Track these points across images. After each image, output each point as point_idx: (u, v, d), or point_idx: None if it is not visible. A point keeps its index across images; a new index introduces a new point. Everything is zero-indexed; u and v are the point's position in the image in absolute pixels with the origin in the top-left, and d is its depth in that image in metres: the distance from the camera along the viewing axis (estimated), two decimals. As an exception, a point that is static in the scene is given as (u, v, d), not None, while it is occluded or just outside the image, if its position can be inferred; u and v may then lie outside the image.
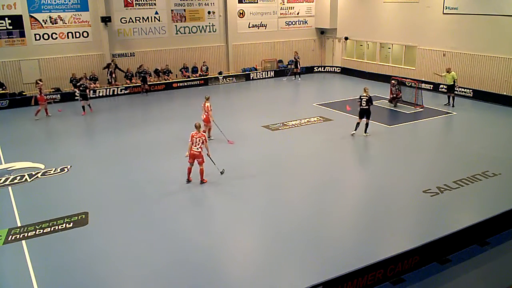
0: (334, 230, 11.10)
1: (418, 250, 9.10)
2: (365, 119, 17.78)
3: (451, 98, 22.67)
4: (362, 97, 17.55)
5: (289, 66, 31.57)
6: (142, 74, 27.14)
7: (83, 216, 11.74)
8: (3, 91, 24.55)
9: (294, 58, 30.96)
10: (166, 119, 21.61)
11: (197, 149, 13.24)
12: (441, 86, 25.54)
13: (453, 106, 22.40)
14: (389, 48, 30.14)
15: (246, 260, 9.96)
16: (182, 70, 29.21)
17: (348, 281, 8.21)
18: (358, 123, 17.88)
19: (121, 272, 9.43)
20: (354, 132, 17.90)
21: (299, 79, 30.76)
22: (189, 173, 13.62)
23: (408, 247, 9.14)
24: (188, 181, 13.63)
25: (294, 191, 13.31)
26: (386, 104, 23.47)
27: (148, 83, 27.44)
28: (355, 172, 15.13)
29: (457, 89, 23.19)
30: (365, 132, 17.99)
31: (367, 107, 17.57)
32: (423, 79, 25.80)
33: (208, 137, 16.97)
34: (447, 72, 22.49)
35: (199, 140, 13.24)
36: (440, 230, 10.14)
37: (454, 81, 22.34)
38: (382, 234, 10.75)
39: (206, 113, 17.14)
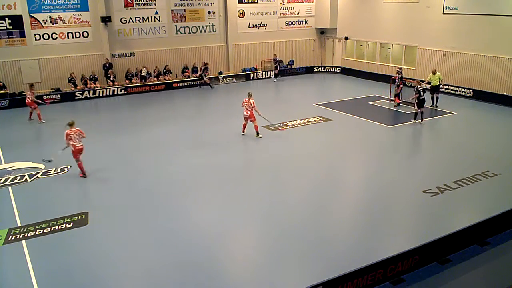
0: (334, 230, 11.09)
1: (418, 250, 9.10)
2: (421, 108, 19.42)
3: (435, 99, 22.48)
4: (419, 89, 19.11)
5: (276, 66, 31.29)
6: (205, 70, 28.39)
7: (83, 216, 11.74)
8: (3, 91, 24.55)
9: (274, 59, 31.10)
10: (167, 119, 21.60)
11: (79, 145, 14.05)
12: (441, 86, 25.52)
13: (436, 106, 22.36)
14: (389, 48, 30.15)
15: (246, 260, 9.95)
16: (186, 70, 29.31)
17: (348, 281, 8.21)
18: (416, 113, 19.57)
19: (120, 272, 9.42)
20: (415, 121, 19.61)
21: (278, 79, 31.10)
22: (81, 168, 14.37)
23: (408, 247, 9.13)
24: (84, 175, 14.34)
25: (293, 191, 13.30)
26: (386, 104, 23.49)
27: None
28: (355, 172, 15.13)
29: (442, 89, 23.01)
30: (422, 120, 19.60)
31: (424, 97, 19.29)
32: (423, 79, 25.76)
33: (257, 135, 17.56)
34: (433, 73, 22.43)
35: (78, 135, 14.12)
36: (440, 230, 10.13)
37: (439, 82, 22.33)
38: (382, 234, 10.75)
39: (250, 110, 17.46)
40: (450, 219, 11.35)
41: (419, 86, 19.25)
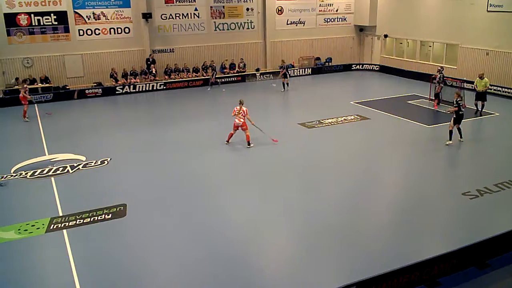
0: (370, 230, 10.97)
1: (456, 254, 8.91)
2: (457, 124, 16.61)
3: (479, 105, 20.75)
4: (459, 102, 16.33)
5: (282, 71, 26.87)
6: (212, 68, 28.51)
7: (121, 208, 12.04)
8: (48, 85, 25.41)
9: (282, 67, 26.86)
10: (205, 114, 21.87)
11: None
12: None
13: (481, 114, 20.64)
14: (430, 46, 29.50)
15: (280, 256, 9.99)
16: (225, 67, 29.65)
17: (383, 282, 8.13)
18: (451, 131, 16.60)
19: (156, 264, 9.60)
20: (451, 142, 16.59)
21: (288, 88, 26.75)
22: None
23: (445, 250, 8.96)
24: None
25: (329, 189, 13.25)
26: (426, 104, 23.02)
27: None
28: (391, 172, 14.90)
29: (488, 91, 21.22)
30: (461, 137, 16.87)
31: (463, 112, 16.57)
32: (465, 79, 25.10)
33: (248, 145, 16.75)
34: (480, 78, 20.69)
35: None
36: (479, 234, 9.90)
37: (486, 89, 20.68)
38: (419, 236, 10.57)
39: (243, 118, 16.47)
40: (490, 222, 11.05)
41: (459, 99, 16.46)
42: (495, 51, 25.02)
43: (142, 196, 12.81)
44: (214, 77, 28.20)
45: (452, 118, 16.55)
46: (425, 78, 26.51)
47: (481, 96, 20.77)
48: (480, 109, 20.87)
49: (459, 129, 16.71)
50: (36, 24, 25.16)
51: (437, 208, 11.89)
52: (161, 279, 9.07)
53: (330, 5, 33.02)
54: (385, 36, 32.65)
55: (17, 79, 24.99)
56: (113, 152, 16.33)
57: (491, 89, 24.35)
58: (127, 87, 26.68)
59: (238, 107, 16.57)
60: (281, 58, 31.51)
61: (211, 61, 28.78)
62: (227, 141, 17.00)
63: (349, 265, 9.42)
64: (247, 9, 30.41)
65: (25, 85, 22.00)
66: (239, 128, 16.66)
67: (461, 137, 16.82)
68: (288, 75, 26.78)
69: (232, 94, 26.58)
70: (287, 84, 26.72)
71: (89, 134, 18.77)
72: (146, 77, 27.50)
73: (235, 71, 29.87)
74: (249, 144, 16.77)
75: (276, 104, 23.94)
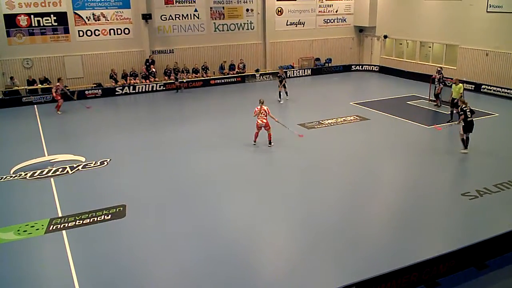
0: (369, 231, 10.97)
1: (455, 254, 8.91)
2: (467, 133, 15.67)
3: (451, 114, 19.46)
4: (465, 109, 15.38)
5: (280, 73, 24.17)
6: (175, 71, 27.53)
7: (121, 208, 12.03)
8: (48, 86, 25.39)
9: (280, 75, 24.03)
10: (205, 115, 21.86)
11: None
12: (483, 86, 24.88)
13: (450, 120, 19.07)
14: (430, 47, 29.50)
15: (279, 257, 9.99)
16: (224, 67, 29.63)
17: (382, 283, 8.13)
18: (464, 139, 15.73)
19: (154, 264, 9.61)
20: (466, 151, 15.72)
21: (287, 98, 24.23)
22: None
23: (444, 250, 8.96)
24: None
25: (329, 190, 13.24)
26: (425, 104, 23.02)
27: (184, 80, 27.64)
28: (391, 172, 14.91)
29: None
30: (466, 147, 15.80)
31: (472, 119, 15.54)
32: (464, 79, 25.10)
33: (269, 144, 16.72)
34: (454, 84, 19.70)
35: None
36: (478, 234, 9.90)
37: (461, 96, 19.33)
38: (418, 236, 10.57)
39: (265, 118, 16.27)
40: (489, 223, 11.04)
41: (464, 105, 15.53)
42: (495, 52, 25.04)
43: (141, 197, 12.81)
44: (178, 81, 27.14)
45: (461, 127, 15.65)
46: (425, 78, 26.48)
47: (454, 103, 19.21)
48: (451, 117, 19.49)
49: (467, 139, 15.78)
50: (36, 25, 25.17)
51: (436, 209, 11.89)
52: (161, 280, 9.07)
53: (330, 6, 33.03)
54: (385, 36, 32.66)
55: (11, 78, 24.96)
56: (112, 153, 16.31)
57: (490, 89, 24.42)
58: (126, 88, 26.68)
59: (259, 107, 16.39)
60: (281, 58, 31.78)
61: (174, 62, 28.13)
62: (254, 141, 16.86)
63: (349, 265, 9.42)
64: (247, 10, 30.42)
65: (57, 83, 22.73)
66: (263, 128, 16.56)
67: (466, 147, 15.82)
68: (285, 83, 23.99)
69: (232, 94, 26.62)
70: (286, 93, 24.08)
71: (89, 135, 18.76)
72: (146, 77, 27.47)
73: (234, 72, 29.86)
74: (270, 143, 16.70)
75: (276, 105, 23.90)
